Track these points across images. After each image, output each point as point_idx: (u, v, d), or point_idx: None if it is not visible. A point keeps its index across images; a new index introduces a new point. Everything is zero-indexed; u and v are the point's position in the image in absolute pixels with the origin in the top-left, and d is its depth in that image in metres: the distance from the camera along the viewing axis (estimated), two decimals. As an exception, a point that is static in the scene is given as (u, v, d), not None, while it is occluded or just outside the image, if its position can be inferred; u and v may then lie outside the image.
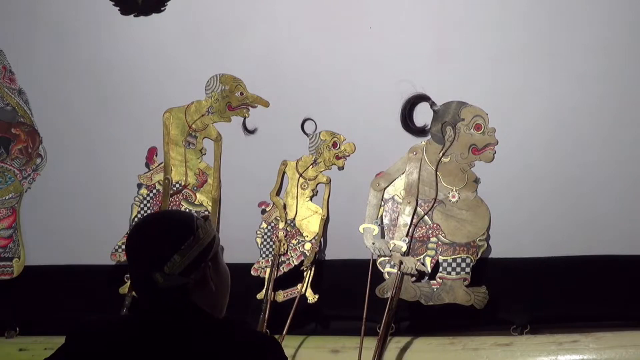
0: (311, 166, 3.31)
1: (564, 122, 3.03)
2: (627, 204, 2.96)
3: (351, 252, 3.20)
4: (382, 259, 3.10)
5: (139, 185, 3.50)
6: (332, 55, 3.27)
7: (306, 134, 3.31)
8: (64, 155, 3.61)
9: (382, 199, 3.16)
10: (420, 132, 3.16)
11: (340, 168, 3.28)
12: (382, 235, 3.14)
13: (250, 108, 3.39)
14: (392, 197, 3.16)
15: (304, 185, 3.30)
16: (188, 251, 1.85)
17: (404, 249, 3.06)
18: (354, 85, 3.24)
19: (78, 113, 3.58)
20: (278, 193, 3.34)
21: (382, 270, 3.10)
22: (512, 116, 3.07)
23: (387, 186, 3.17)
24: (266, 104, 3.37)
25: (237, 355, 1.81)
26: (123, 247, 3.39)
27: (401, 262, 3.05)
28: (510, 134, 3.07)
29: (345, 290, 3.19)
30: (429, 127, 3.15)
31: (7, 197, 3.65)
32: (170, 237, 1.85)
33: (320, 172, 3.30)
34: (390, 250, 3.08)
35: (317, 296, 3.18)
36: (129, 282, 3.29)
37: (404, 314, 3.10)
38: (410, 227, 3.09)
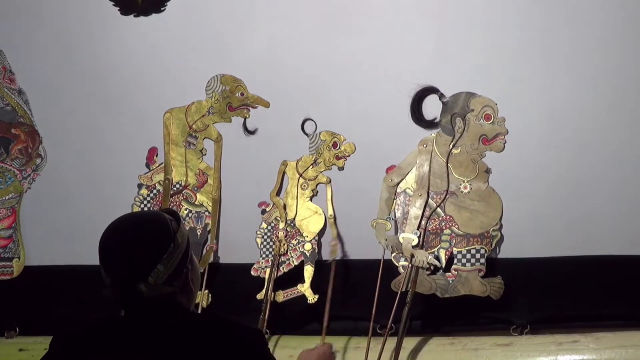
0: (311, 166, 3.31)
1: (567, 123, 3.02)
2: (628, 204, 2.96)
3: (352, 252, 3.20)
4: (396, 252, 3.09)
5: (139, 186, 3.50)
6: (332, 55, 3.27)
7: (306, 134, 3.31)
8: (64, 155, 3.61)
9: (394, 194, 3.15)
10: (430, 124, 3.15)
11: (340, 168, 3.28)
12: (395, 231, 3.12)
13: (250, 108, 3.39)
14: (404, 191, 3.15)
15: (304, 186, 3.30)
16: (170, 260, 1.84)
17: (415, 242, 3.05)
18: (354, 85, 3.24)
19: (78, 113, 3.58)
20: (278, 193, 3.34)
21: (397, 264, 3.08)
22: (512, 116, 3.07)
23: (400, 181, 3.15)
24: (266, 105, 3.37)
25: (224, 348, 1.82)
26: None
27: (412, 256, 3.03)
28: (510, 134, 3.07)
29: (346, 290, 3.19)
30: (438, 119, 3.14)
31: (7, 197, 3.65)
32: (152, 247, 1.83)
33: (320, 172, 3.30)
34: (402, 244, 3.06)
35: (317, 296, 3.18)
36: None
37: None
38: (421, 219, 3.08)
